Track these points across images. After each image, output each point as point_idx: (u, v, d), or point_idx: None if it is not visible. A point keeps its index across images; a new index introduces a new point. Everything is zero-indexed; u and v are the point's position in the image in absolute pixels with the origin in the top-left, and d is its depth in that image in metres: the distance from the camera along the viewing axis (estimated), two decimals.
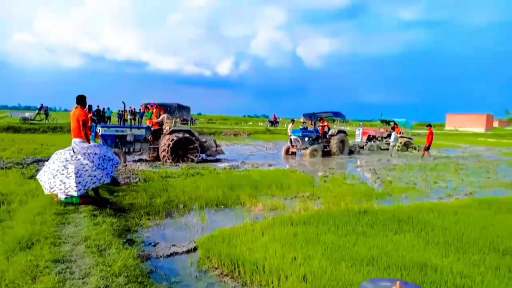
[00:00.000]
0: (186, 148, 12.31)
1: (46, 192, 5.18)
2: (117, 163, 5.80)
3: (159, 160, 12.04)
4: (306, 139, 15.44)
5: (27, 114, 28.57)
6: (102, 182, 5.32)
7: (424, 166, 12.87)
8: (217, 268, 3.92)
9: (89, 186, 5.13)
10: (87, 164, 5.19)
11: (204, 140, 13.33)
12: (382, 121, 21.20)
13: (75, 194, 5.02)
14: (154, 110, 13.81)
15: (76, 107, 7.14)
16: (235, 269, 3.75)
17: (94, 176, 5.15)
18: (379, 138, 20.02)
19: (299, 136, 15.44)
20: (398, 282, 1.77)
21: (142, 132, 12.20)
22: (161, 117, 13.02)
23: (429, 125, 16.72)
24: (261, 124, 45.20)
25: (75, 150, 5.46)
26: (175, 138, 11.88)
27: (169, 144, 11.79)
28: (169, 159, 11.76)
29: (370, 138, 20.11)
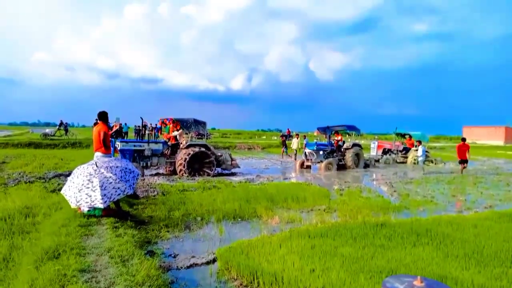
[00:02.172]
0: (202, 162, 12.49)
1: (73, 206, 5.35)
2: (138, 175, 5.98)
3: (176, 174, 12.23)
4: (321, 152, 15.44)
5: (47, 130, 29.36)
6: (126, 193, 5.50)
7: (441, 180, 12.70)
8: (236, 279, 3.97)
9: (114, 198, 5.30)
10: (110, 177, 5.38)
11: (219, 154, 13.50)
12: (397, 134, 21.06)
13: (101, 206, 5.19)
14: (171, 126, 14.09)
15: (98, 123, 7.39)
16: (254, 280, 3.81)
17: (118, 188, 5.33)
18: (395, 151, 19.85)
19: (313, 150, 15.44)
20: (419, 277, 1.87)
21: (159, 146, 12.44)
22: (177, 132, 13.28)
23: (464, 139, 15.41)
24: (275, 138, 45.28)
25: (97, 164, 5.65)
26: (192, 152, 12.09)
27: (185, 158, 11.99)
28: (185, 173, 11.93)
29: (385, 152, 19.98)
